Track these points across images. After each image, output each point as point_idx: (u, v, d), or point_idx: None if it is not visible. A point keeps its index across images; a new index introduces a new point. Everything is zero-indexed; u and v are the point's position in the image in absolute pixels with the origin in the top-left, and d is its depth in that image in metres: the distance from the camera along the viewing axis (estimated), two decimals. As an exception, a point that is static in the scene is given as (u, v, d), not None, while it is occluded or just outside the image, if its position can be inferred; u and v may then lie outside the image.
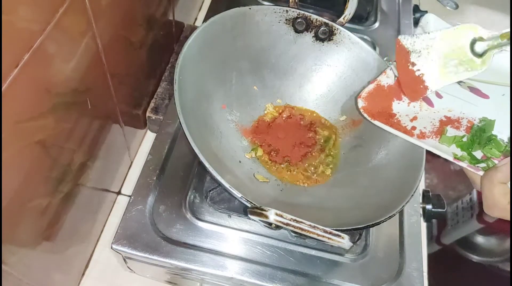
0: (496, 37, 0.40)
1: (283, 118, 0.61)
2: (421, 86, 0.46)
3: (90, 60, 0.42)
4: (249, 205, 0.41)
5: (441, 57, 0.43)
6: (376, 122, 0.49)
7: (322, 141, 0.59)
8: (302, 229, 0.38)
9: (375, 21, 0.83)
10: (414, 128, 0.51)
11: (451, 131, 0.49)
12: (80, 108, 0.43)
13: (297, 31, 0.60)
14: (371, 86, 0.52)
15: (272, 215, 0.37)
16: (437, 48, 0.43)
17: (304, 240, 0.51)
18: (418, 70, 0.46)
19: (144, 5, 0.53)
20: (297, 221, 0.38)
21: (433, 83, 0.44)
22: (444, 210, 0.60)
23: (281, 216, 0.37)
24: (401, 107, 0.51)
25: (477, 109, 0.49)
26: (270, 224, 0.38)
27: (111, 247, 0.48)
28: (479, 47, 0.41)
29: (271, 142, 0.58)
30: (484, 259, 1.28)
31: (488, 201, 0.42)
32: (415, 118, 0.51)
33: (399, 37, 0.48)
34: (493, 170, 0.42)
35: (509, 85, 0.42)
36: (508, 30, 0.39)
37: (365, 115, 0.50)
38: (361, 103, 0.51)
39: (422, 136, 0.49)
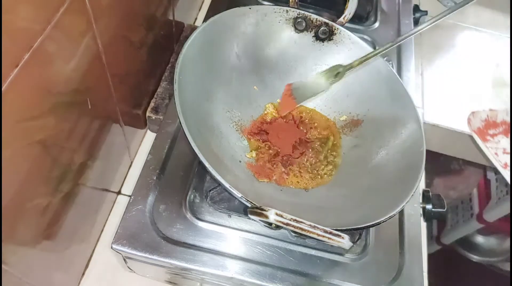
0: (348, 65, 0.54)
1: (284, 119, 0.60)
2: (291, 103, 0.57)
3: (90, 60, 0.42)
4: (249, 205, 0.41)
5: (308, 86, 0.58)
6: None
7: (322, 141, 0.59)
8: (302, 229, 0.38)
9: (375, 21, 0.83)
10: None
11: None
12: (80, 108, 0.43)
13: (297, 31, 0.60)
14: None
15: (272, 215, 0.37)
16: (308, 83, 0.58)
17: (304, 240, 0.51)
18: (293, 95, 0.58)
19: (144, 5, 0.53)
20: (297, 221, 0.38)
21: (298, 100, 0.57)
22: (444, 210, 0.60)
23: (281, 216, 0.38)
24: None
25: None
26: (270, 224, 0.38)
27: (111, 247, 0.48)
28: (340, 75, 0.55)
29: (271, 142, 0.58)
30: (484, 259, 1.29)
31: None
32: None
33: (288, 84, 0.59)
34: None
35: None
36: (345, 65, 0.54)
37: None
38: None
39: None
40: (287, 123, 0.60)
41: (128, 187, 0.62)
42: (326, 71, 0.57)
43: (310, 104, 0.63)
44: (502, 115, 0.59)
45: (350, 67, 0.54)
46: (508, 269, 1.23)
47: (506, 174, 0.54)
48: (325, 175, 0.56)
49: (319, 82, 0.57)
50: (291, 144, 0.58)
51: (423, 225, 0.60)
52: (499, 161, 0.54)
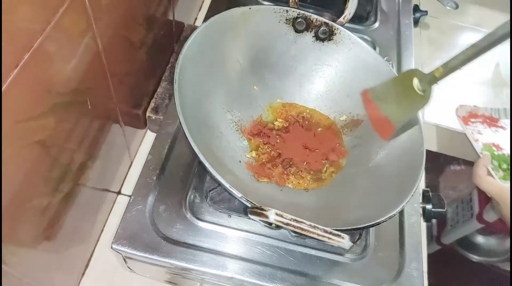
0: (431, 75, 0.47)
1: (284, 121, 0.60)
2: (388, 126, 0.53)
3: (90, 60, 0.42)
4: (249, 205, 0.41)
5: (396, 99, 0.52)
6: None
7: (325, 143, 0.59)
8: (302, 229, 0.38)
9: (375, 21, 0.83)
10: None
11: None
12: (80, 108, 0.43)
13: (297, 31, 0.60)
14: None
15: (272, 215, 0.37)
16: (391, 93, 0.53)
17: (304, 240, 0.51)
18: (383, 113, 0.54)
19: (144, 5, 0.53)
20: (297, 221, 0.38)
21: (396, 122, 0.52)
22: (444, 210, 0.60)
23: (281, 216, 0.37)
24: None
25: None
26: (270, 224, 0.38)
27: (111, 247, 0.48)
28: (421, 85, 0.48)
29: (273, 144, 0.58)
30: (484, 259, 1.28)
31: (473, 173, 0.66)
32: None
33: (362, 91, 0.57)
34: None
35: None
36: (439, 66, 0.46)
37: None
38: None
39: None
40: (289, 125, 0.60)
41: (128, 187, 0.62)
42: (408, 77, 0.49)
43: (310, 104, 0.63)
44: (482, 111, 0.76)
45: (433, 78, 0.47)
46: (508, 269, 1.23)
47: (477, 147, 0.72)
48: (327, 177, 0.56)
49: (409, 94, 0.49)
50: (295, 149, 0.58)
51: (423, 225, 0.60)
52: (473, 137, 0.73)
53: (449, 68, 0.45)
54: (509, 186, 0.62)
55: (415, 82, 0.48)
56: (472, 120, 0.76)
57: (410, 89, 0.49)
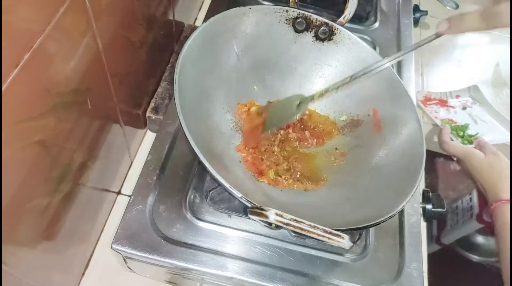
0: (310, 97, 0.54)
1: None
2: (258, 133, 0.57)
3: (90, 60, 0.42)
4: (249, 205, 0.41)
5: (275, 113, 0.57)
6: None
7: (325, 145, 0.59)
8: (302, 229, 0.38)
9: (375, 21, 0.83)
10: None
11: None
12: (80, 108, 0.43)
13: (297, 31, 0.60)
14: None
15: (272, 215, 0.37)
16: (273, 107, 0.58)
17: (304, 240, 0.51)
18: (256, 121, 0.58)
19: (144, 5, 0.53)
20: (297, 221, 0.38)
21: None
22: (444, 210, 0.60)
23: (281, 216, 0.37)
24: None
25: None
26: (270, 224, 0.38)
27: (111, 247, 0.48)
28: (301, 106, 0.55)
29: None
30: (484, 259, 1.28)
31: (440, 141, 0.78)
32: None
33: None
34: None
35: None
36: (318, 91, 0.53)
37: None
38: None
39: None
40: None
41: (128, 187, 0.62)
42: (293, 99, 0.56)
43: (310, 104, 0.62)
44: (434, 95, 0.91)
45: (311, 99, 0.54)
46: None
47: (437, 122, 0.85)
48: (327, 179, 0.56)
49: (289, 107, 0.55)
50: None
51: (423, 225, 0.60)
52: (433, 115, 0.86)
53: (325, 91, 0.53)
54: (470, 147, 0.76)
55: (296, 103, 0.55)
56: (428, 102, 0.90)
57: (290, 106, 0.55)
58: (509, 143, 0.83)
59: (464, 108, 0.91)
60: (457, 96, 0.93)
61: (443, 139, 0.78)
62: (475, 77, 0.96)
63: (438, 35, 0.53)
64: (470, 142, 0.82)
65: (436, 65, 0.98)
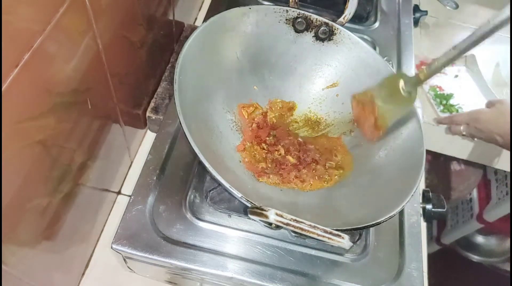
0: (416, 77, 0.48)
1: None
2: (375, 129, 0.54)
3: (90, 60, 0.42)
4: (249, 205, 0.41)
5: (382, 102, 0.52)
6: None
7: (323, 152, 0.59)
8: (302, 229, 0.38)
9: (375, 21, 0.83)
10: None
11: None
12: (80, 108, 0.43)
13: (297, 31, 0.60)
14: None
15: (272, 215, 0.37)
16: (379, 96, 0.53)
17: (304, 240, 0.51)
18: (370, 116, 0.54)
19: (144, 5, 0.53)
20: (297, 221, 0.38)
21: (383, 125, 0.53)
22: (444, 210, 0.60)
23: (281, 216, 0.37)
24: None
25: None
26: (270, 224, 0.38)
27: (111, 247, 0.48)
28: (406, 87, 0.49)
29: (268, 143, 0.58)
30: (484, 259, 1.28)
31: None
32: None
33: (352, 95, 0.58)
34: None
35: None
36: (422, 68, 0.48)
37: None
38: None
39: None
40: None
41: (128, 187, 0.62)
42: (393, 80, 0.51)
43: (310, 104, 0.63)
44: (430, 60, 0.86)
45: (416, 80, 0.48)
46: (508, 269, 1.23)
47: (426, 87, 0.89)
48: (333, 178, 0.56)
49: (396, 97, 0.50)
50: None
51: (423, 225, 0.60)
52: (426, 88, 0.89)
53: (432, 69, 0.47)
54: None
55: (401, 84, 0.49)
56: (423, 67, 0.88)
57: (396, 92, 0.50)
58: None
59: (456, 76, 0.94)
60: (453, 64, 0.95)
61: (441, 117, 0.79)
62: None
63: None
64: (450, 111, 0.86)
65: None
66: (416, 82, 0.48)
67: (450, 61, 0.45)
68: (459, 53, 0.44)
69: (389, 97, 0.51)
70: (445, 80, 0.93)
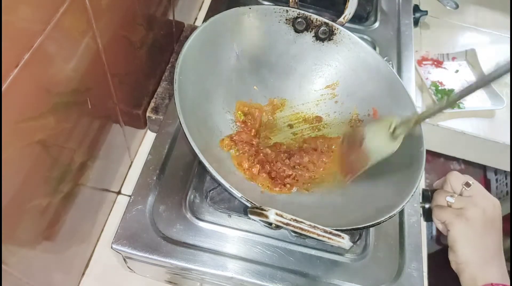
0: (407, 122, 0.47)
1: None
2: (352, 168, 0.52)
3: (90, 59, 0.42)
4: (249, 205, 0.41)
5: (369, 142, 0.51)
6: None
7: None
8: (302, 229, 0.38)
9: (375, 21, 0.83)
10: None
11: None
12: (80, 108, 0.43)
13: (297, 31, 0.60)
14: None
15: (272, 215, 0.37)
16: (368, 136, 0.51)
17: (304, 240, 0.51)
18: (354, 153, 0.53)
19: (144, 5, 0.53)
20: (297, 221, 0.38)
21: (365, 163, 0.51)
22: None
23: (281, 216, 0.37)
24: None
25: None
26: (270, 224, 0.38)
27: (111, 247, 0.48)
28: (397, 131, 0.48)
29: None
30: (484, 259, 1.28)
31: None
32: None
33: (342, 135, 0.59)
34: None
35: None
36: (415, 115, 0.47)
37: None
38: None
39: None
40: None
41: (128, 187, 0.62)
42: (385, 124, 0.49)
43: (310, 104, 0.63)
44: (431, 55, 0.96)
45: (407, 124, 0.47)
46: (508, 269, 1.23)
47: (427, 83, 0.90)
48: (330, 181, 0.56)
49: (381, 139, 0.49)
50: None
51: (423, 225, 0.60)
52: (424, 76, 0.91)
53: (424, 116, 0.46)
54: None
55: (392, 126, 0.48)
56: (424, 62, 0.95)
57: (384, 133, 0.49)
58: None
59: (456, 71, 0.94)
60: (454, 58, 0.96)
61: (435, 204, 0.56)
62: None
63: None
64: (452, 107, 0.84)
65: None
66: (408, 125, 0.47)
67: (442, 109, 0.45)
68: (451, 103, 0.46)
69: (376, 137, 0.51)
70: (446, 75, 0.93)
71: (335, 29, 0.60)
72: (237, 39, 0.57)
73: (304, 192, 0.54)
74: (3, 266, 0.35)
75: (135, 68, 0.56)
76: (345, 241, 0.39)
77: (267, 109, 0.61)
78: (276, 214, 0.37)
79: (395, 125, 0.48)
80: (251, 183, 0.53)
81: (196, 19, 0.84)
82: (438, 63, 0.95)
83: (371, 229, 0.54)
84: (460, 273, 0.51)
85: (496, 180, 1.17)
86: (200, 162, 0.42)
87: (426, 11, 0.95)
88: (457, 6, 1.08)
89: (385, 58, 0.59)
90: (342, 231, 0.39)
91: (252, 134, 0.57)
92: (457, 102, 0.86)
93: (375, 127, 0.51)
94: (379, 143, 0.49)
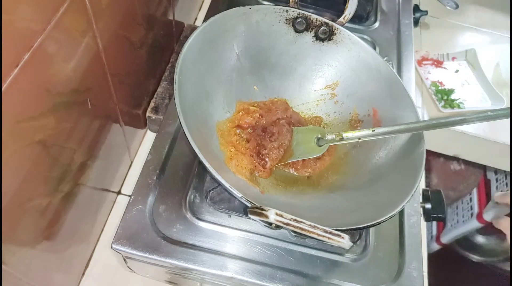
0: (333, 138, 0.52)
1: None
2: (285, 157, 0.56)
3: (90, 59, 0.42)
4: (249, 205, 0.41)
5: (296, 142, 0.56)
6: None
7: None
8: (302, 229, 0.38)
9: (375, 21, 0.83)
10: None
11: None
12: (80, 108, 0.43)
13: (297, 31, 0.60)
14: None
15: (272, 215, 0.37)
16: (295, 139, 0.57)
17: (304, 240, 0.51)
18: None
19: (144, 5, 0.53)
20: (297, 221, 0.38)
21: (286, 158, 0.55)
22: (444, 209, 0.60)
23: (281, 216, 0.37)
24: None
25: None
26: (270, 224, 0.38)
27: (111, 247, 0.48)
28: (321, 142, 0.54)
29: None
30: (484, 259, 1.28)
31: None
32: None
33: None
34: None
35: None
36: (340, 133, 0.52)
37: None
38: None
39: None
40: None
41: (128, 187, 0.62)
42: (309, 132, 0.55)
43: (310, 104, 0.63)
44: (431, 55, 0.96)
45: (331, 140, 0.52)
46: (508, 269, 1.23)
47: (427, 83, 0.91)
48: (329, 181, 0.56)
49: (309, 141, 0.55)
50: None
51: (423, 225, 0.60)
52: (424, 76, 0.92)
53: (345, 140, 0.51)
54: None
55: (317, 136, 0.54)
56: (424, 62, 0.95)
57: (310, 139, 0.55)
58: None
59: (456, 71, 0.94)
60: (454, 58, 0.97)
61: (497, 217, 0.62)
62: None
63: None
64: (452, 107, 0.86)
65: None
66: (330, 142, 0.53)
67: (362, 137, 0.50)
68: (375, 134, 0.50)
69: (304, 139, 0.56)
70: (446, 75, 0.93)
71: (335, 29, 0.60)
72: (237, 39, 0.57)
73: (304, 191, 0.54)
74: (3, 266, 0.35)
75: (135, 68, 0.56)
76: (345, 241, 0.39)
77: None
78: (276, 214, 0.37)
79: (319, 137, 0.54)
80: (251, 184, 0.53)
81: (196, 19, 0.84)
82: (438, 63, 0.95)
83: (371, 229, 0.54)
84: None
85: (496, 180, 1.17)
86: (200, 162, 0.42)
87: (426, 11, 0.95)
88: (457, 6, 1.08)
89: (385, 58, 0.59)
90: (342, 231, 0.39)
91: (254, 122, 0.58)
92: (457, 102, 0.87)
93: (302, 134, 0.56)
94: (304, 147, 0.55)
